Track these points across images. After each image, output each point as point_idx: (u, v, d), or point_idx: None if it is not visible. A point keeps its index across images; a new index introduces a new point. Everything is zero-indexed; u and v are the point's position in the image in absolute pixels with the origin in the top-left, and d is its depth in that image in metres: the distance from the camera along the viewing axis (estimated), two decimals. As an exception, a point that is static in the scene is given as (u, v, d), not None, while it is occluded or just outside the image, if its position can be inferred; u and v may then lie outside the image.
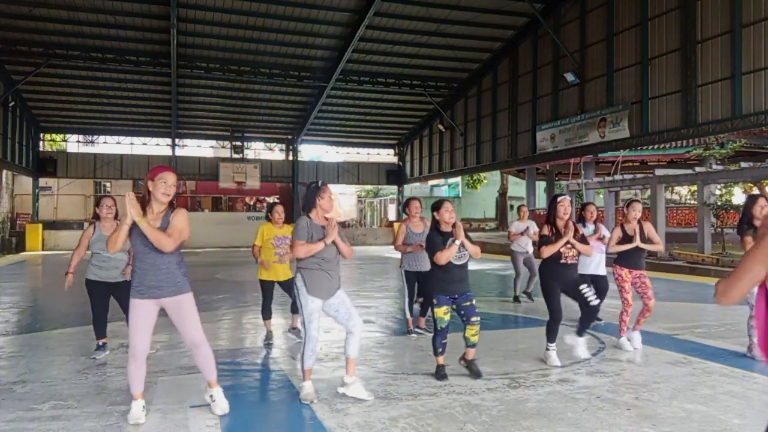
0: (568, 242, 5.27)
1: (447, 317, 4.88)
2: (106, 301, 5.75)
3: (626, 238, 5.96)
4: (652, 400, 4.34)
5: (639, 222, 6.05)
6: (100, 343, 5.77)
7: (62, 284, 5.60)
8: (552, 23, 18.26)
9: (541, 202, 30.99)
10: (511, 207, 38.47)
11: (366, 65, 22.04)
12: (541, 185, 32.05)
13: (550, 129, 18.78)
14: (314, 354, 4.40)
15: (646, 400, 4.32)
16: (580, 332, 5.59)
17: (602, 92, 16.76)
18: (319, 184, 4.55)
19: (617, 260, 6.02)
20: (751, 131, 19.03)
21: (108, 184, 32.82)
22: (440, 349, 4.92)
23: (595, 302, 5.35)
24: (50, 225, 26.71)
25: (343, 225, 30.32)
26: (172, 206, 3.95)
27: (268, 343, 6.35)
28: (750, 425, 3.83)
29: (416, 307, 6.98)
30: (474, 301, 4.95)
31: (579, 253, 5.41)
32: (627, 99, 15.83)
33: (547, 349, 5.42)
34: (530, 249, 9.30)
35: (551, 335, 5.38)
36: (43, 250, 24.95)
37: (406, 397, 4.42)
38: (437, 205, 5.05)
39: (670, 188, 30.31)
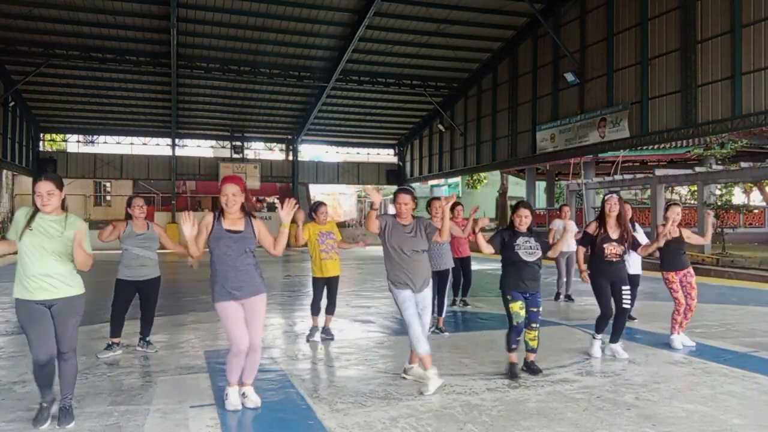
0: (613, 241, 5.44)
1: (522, 312, 4.83)
2: (130, 300, 5.80)
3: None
4: (652, 400, 4.34)
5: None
6: (111, 342, 5.77)
7: None
8: (552, 23, 18.25)
9: (541, 202, 30.96)
10: (512, 207, 38.42)
11: (366, 65, 22.04)
12: (541, 185, 32.02)
13: (550, 129, 18.79)
14: (421, 338, 4.51)
15: (646, 400, 4.32)
16: (612, 338, 5.61)
17: (602, 92, 16.76)
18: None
19: (663, 265, 6.14)
20: (751, 131, 19.02)
21: (108, 184, 32.81)
22: (513, 346, 4.83)
23: (627, 305, 5.54)
24: (50, 225, 26.65)
25: (342, 225, 30.33)
26: (244, 211, 4.15)
27: (311, 337, 6.45)
28: (750, 425, 3.82)
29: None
30: (540, 308, 4.99)
31: (624, 252, 5.52)
32: (627, 99, 15.83)
33: (593, 338, 5.67)
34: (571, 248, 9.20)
35: (599, 327, 5.61)
36: (43, 250, 24.87)
37: (406, 397, 4.41)
38: (514, 207, 5.13)
39: (670, 188, 30.31)
